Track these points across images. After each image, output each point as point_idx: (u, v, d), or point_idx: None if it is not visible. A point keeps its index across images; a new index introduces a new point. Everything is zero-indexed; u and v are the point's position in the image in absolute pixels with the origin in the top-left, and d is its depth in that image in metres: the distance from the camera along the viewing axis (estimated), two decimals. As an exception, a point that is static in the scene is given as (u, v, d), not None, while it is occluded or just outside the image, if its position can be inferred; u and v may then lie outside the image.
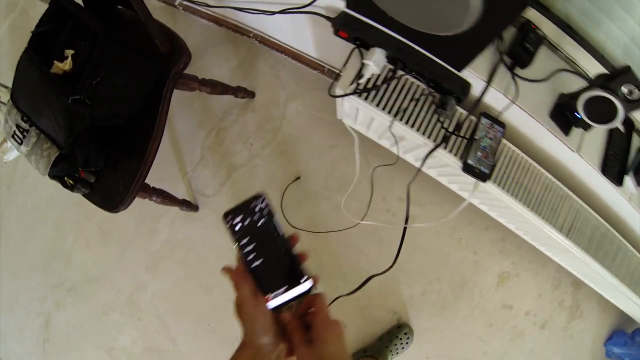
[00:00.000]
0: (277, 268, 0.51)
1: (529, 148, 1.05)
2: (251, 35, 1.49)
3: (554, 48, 0.95)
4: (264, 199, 0.51)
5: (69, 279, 1.54)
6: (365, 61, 0.88)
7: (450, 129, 0.94)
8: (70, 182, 1.05)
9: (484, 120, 0.94)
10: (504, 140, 0.97)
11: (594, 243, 1.10)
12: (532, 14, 0.92)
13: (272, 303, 0.50)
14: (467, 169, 0.93)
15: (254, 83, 1.50)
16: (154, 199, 1.20)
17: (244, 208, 0.51)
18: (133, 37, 0.99)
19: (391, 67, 0.91)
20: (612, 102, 0.79)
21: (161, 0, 1.53)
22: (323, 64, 1.40)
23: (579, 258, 1.12)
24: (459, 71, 0.88)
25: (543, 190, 1.03)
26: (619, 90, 0.78)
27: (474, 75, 0.89)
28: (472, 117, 0.96)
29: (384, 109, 0.92)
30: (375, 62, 0.87)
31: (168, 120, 1.44)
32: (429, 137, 0.94)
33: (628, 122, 1.04)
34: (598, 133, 1.00)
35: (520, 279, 1.59)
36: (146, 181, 1.07)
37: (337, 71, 0.97)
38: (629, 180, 1.03)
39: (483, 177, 0.93)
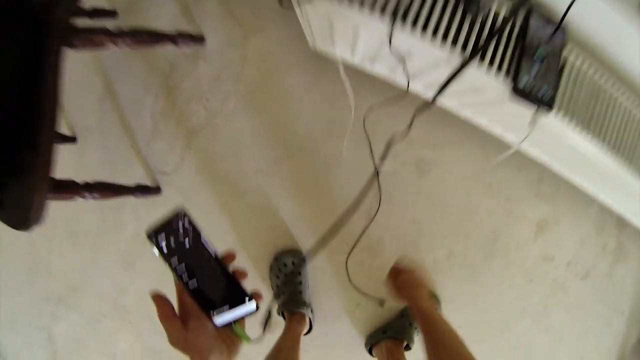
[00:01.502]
0: (215, 288, 0.46)
1: (603, 59, 0.74)
2: None
3: None
4: (185, 216, 0.46)
5: (55, 291, 1.37)
6: None
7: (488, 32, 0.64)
8: None
9: (534, 21, 0.65)
10: (568, 49, 0.67)
11: None
12: None
13: (218, 320, 0.46)
14: (519, 91, 0.64)
15: (204, 26, 1.15)
16: (88, 195, 0.90)
17: (167, 227, 0.46)
18: None
19: None
20: None
21: None
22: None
23: None
24: None
25: (625, 120, 0.75)
26: None
27: None
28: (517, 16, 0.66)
29: (372, 6, 0.61)
30: None
31: (111, 88, 1.17)
32: (454, 45, 0.62)
33: None
34: None
35: (561, 225, 1.37)
36: (91, 159, 0.92)
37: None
38: None
39: (543, 103, 0.64)
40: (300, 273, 1.17)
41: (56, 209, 0.86)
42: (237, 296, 0.47)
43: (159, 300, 0.46)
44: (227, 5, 1.17)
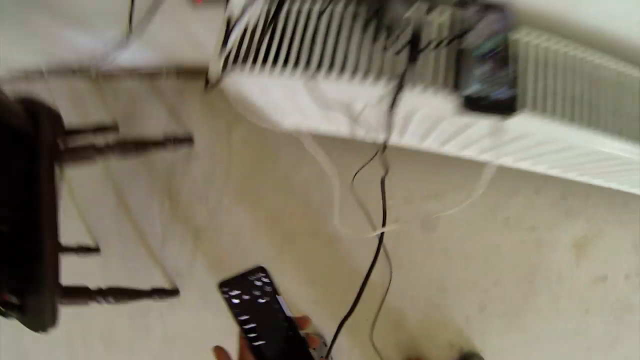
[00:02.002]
0: (281, 350, 0.43)
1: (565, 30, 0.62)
2: (164, 72, 1.30)
3: None
4: (265, 273, 0.44)
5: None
6: (231, 9, 0.55)
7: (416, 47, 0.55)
8: (2, 309, 0.83)
9: (469, 12, 0.54)
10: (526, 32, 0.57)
11: None
12: None
13: None
14: (470, 103, 0.53)
15: (190, 123, 1.28)
16: (102, 300, 0.93)
17: (242, 281, 0.44)
18: None
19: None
20: None
21: (82, 77, 1.35)
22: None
23: None
24: None
25: (618, 92, 0.61)
26: None
27: None
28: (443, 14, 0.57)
29: (294, 65, 0.58)
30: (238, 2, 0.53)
31: (123, 200, 1.26)
32: (377, 77, 0.56)
33: None
34: None
35: (604, 237, 1.21)
36: (115, 269, 1.04)
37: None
38: None
39: (506, 107, 0.52)
40: (322, 357, 1.10)
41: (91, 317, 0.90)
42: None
43: (221, 352, 0.45)
44: (208, 103, 1.27)
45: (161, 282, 1.21)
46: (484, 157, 0.88)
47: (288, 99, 0.71)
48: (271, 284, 0.44)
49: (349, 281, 1.09)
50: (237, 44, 0.59)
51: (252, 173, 1.25)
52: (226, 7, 0.55)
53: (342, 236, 1.19)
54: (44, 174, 0.76)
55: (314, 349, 0.44)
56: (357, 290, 0.70)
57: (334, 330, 0.70)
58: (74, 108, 0.99)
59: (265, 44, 0.59)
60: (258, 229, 1.22)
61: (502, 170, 1.02)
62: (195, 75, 1.29)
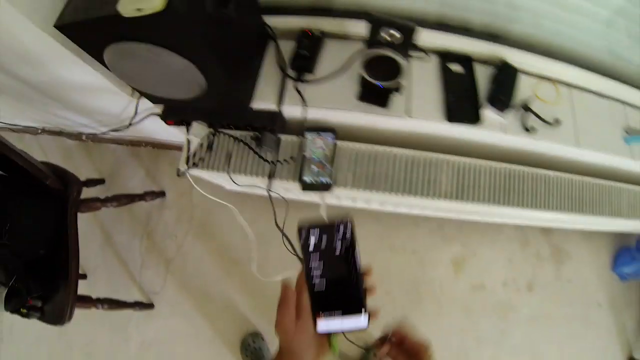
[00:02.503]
0: (339, 294, 0.50)
1: (369, 135, 1.12)
2: (143, 144, 1.85)
3: (339, 38, 1.09)
4: (350, 227, 0.50)
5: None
6: (187, 137, 1.11)
7: (282, 159, 1.09)
8: (24, 311, 1.26)
9: (308, 135, 1.06)
10: (341, 143, 1.09)
11: (510, 189, 1.13)
12: (303, 21, 1.06)
13: (322, 325, 0.50)
14: (306, 186, 1.04)
15: (163, 183, 1.84)
16: (100, 306, 1.45)
17: (325, 229, 0.50)
18: (28, 182, 1.26)
19: (212, 131, 1.12)
20: (384, 55, 0.85)
21: (73, 138, 1.88)
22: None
23: (517, 213, 1.17)
24: (247, 109, 1.05)
25: (414, 167, 1.10)
26: (381, 37, 0.83)
27: (265, 103, 1.05)
28: (300, 138, 1.09)
29: (221, 169, 1.12)
30: (195, 133, 1.10)
31: (109, 238, 1.73)
32: (260, 176, 1.11)
33: (465, 59, 1.10)
34: (423, 87, 1.06)
35: (479, 255, 1.64)
36: (100, 290, 1.44)
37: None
38: (489, 112, 1.06)
39: (325, 187, 1.04)
40: (260, 348, 1.61)
41: (73, 334, 1.32)
42: (354, 306, 0.50)
43: (288, 289, 0.52)
44: (175, 164, 1.63)
45: (139, 299, 1.68)
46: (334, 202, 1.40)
47: (222, 180, 1.25)
48: (353, 238, 0.49)
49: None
50: (192, 154, 1.12)
51: (208, 218, 1.80)
52: (187, 132, 1.10)
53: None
54: (71, 219, 1.27)
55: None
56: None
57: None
58: (64, 164, 1.36)
59: (206, 155, 1.12)
60: (213, 258, 1.74)
61: (379, 214, 1.44)
62: (166, 147, 1.83)
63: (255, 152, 1.09)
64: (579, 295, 1.64)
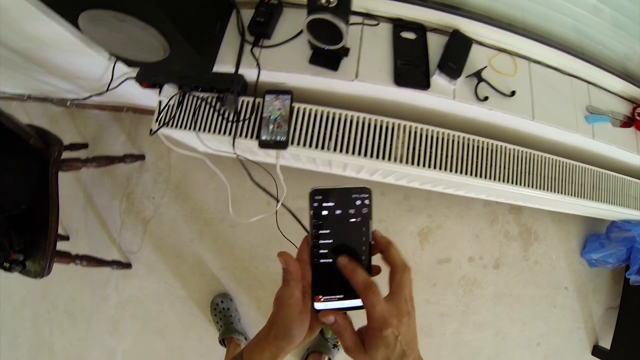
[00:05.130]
0: (342, 277, 0.47)
1: (326, 99, 1.18)
2: (125, 109, 1.94)
3: (297, 6, 1.15)
4: (368, 195, 0.47)
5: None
6: (159, 98, 1.21)
7: (242, 118, 1.17)
8: (7, 265, 1.37)
9: (267, 97, 1.15)
10: (298, 104, 1.15)
11: (466, 158, 1.17)
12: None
13: (320, 306, 0.48)
14: (263, 144, 1.13)
15: (143, 147, 1.93)
16: (79, 262, 1.56)
17: (341, 195, 0.47)
18: (11, 141, 1.36)
19: (181, 92, 1.21)
20: (324, 19, 0.88)
21: (58, 104, 1.98)
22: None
23: (477, 184, 1.19)
24: (209, 71, 1.14)
25: (370, 130, 1.14)
26: (319, 2, 0.87)
27: (225, 66, 1.13)
28: (259, 99, 1.16)
29: (189, 127, 1.21)
30: (166, 95, 1.20)
31: (90, 201, 1.83)
32: (223, 134, 1.18)
33: (419, 27, 1.15)
34: (375, 53, 1.12)
35: (446, 229, 1.68)
36: (81, 251, 1.51)
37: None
38: (439, 78, 1.10)
39: (281, 145, 1.12)
40: (229, 309, 1.71)
41: (57, 294, 1.41)
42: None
43: (290, 259, 0.48)
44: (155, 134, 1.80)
45: (118, 259, 1.77)
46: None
47: (193, 139, 1.31)
48: (370, 207, 0.47)
49: (247, 253, 1.71)
50: (164, 114, 1.21)
51: (183, 180, 1.89)
52: (159, 94, 1.19)
53: (240, 222, 1.75)
54: (52, 177, 1.35)
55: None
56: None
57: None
58: (50, 129, 1.40)
59: (176, 114, 1.21)
60: (187, 219, 1.84)
61: (345, 180, 1.49)
62: (146, 112, 1.93)
63: (217, 111, 1.17)
64: (545, 277, 1.68)
